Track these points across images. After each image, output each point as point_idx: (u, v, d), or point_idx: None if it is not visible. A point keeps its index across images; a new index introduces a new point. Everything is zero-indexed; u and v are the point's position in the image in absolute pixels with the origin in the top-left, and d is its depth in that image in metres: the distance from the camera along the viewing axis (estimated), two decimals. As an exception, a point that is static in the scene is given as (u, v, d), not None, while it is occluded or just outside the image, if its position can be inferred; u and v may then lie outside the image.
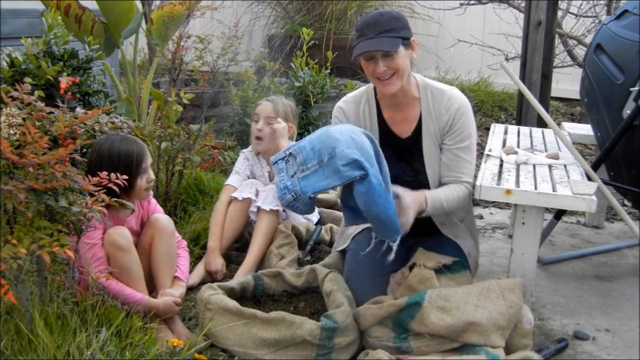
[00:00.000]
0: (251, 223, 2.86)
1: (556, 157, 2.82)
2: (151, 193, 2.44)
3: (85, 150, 2.42)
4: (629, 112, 2.71)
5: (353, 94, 2.46)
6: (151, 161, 2.40)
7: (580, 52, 5.20)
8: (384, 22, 2.15)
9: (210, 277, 2.68)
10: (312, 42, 4.03)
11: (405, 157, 2.36)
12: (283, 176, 2.07)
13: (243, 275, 2.53)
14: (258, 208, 2.80)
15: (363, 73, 2.30)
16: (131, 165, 2.26)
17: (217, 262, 2.70)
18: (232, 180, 2.95)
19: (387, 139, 2.36)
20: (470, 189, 2.31)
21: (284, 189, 2.04)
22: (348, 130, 2.05)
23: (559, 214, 3.02)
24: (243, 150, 3.09)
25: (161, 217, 2.39)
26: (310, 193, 2.00)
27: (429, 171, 2.33)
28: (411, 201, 2.10)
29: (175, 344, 2.00)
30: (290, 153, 2.07)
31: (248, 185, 2.90)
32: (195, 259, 2.79)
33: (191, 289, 2.59)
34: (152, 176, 2.38)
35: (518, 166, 2.68)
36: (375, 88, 2.37)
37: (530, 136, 3.29)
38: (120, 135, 2.31)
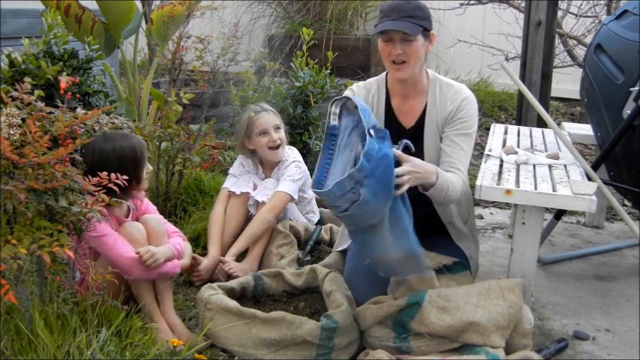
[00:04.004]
0: (251, 218, 2.85)
1: (556, 157, 2.82)
2: (147, 184, 2.43)
3: (83, 151, 2.42)
4: (629, 112, 2.71)
5: (365, 81, 2.49)
6: (148, 154, 2.42)
7: (580, 52, 5.20)
8: (409, 9, 2.20)
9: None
10: (312, 42, 4.02)
11: None
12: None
13: (237, 246, 2.70)
14: (257, 202, 2.81)
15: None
16: (137, 159, 2.29)
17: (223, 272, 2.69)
18: (229, 183, 2.94)
19: (392, 127, 2.36)
20: (464, 180, 2.28)
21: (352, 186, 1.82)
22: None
23: (559, 214, 3.02)
24: (240, 156, 3.07)
25: (150, 219, 2.37)
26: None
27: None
28: (420, 162, 2.05)
29: (175, 344, 2.00)
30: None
31: (245, 180, 2.91)
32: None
33: (190, 289, 2.60)
34: (150, 167, 2.39)
35: (518, 166, 2.68)
36: (386, 77, 2.40)
37: (530, 136, 3.29)
38: (115, 132, 2.31)
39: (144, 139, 2.46)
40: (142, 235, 2.25)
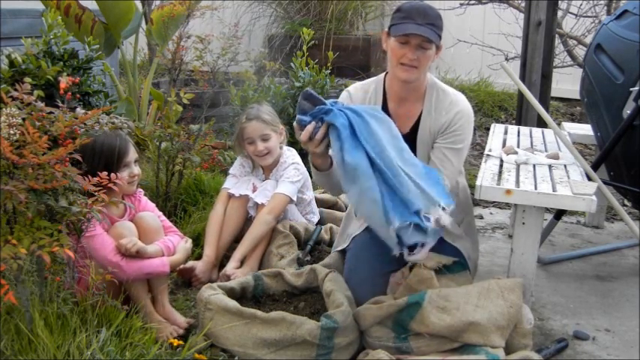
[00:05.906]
0: (250, 220, 2.85)
1: (556, 157, 2.82)
2: (134, 188, 2.41)
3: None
4: (629, 112, 2.71)
5: (363, 82, 2.48)
6: (136, 157, 2.38)
7: (580, 52, 5.20)
8: (432, 16, 2.20)
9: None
10: (312, 42, 4.02)
11: None
12: None
13: (241, 250, 2.69)
14: (257, 204, 2.81)
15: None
16: (112, 159, 2.27)
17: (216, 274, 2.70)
18: (230, 183, 2.94)
19: None
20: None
21: None
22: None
23: (559, 214, 3.02)
24: (240, 156, 3.06)
25: (145, 216, 2.36)
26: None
27: None
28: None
29: (175, 344, 2.00)
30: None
31: (245, 182, 2.90)
32: (195, 259, 2.79)
33: (190, 289, 2.60)
34: (135, 171, 2.35)
35: (518, 166, 2.68)
36: (384, 79, 2.39)
37: (530, 136, 3.29)
38: (113, 130, 2.29)
39: (143, 139, 2.45)
40: (133, 235, 2.23)
